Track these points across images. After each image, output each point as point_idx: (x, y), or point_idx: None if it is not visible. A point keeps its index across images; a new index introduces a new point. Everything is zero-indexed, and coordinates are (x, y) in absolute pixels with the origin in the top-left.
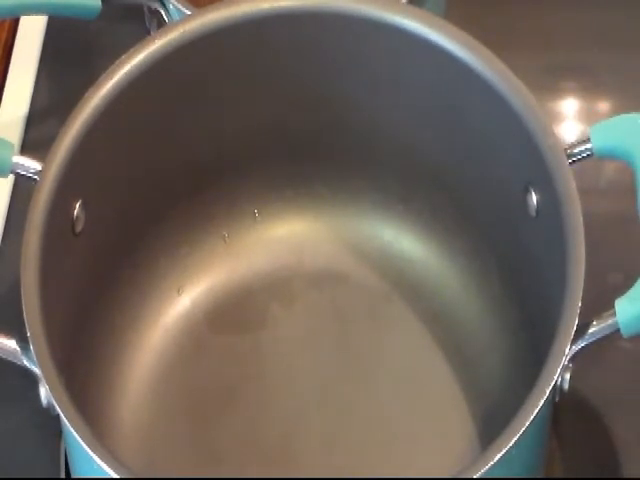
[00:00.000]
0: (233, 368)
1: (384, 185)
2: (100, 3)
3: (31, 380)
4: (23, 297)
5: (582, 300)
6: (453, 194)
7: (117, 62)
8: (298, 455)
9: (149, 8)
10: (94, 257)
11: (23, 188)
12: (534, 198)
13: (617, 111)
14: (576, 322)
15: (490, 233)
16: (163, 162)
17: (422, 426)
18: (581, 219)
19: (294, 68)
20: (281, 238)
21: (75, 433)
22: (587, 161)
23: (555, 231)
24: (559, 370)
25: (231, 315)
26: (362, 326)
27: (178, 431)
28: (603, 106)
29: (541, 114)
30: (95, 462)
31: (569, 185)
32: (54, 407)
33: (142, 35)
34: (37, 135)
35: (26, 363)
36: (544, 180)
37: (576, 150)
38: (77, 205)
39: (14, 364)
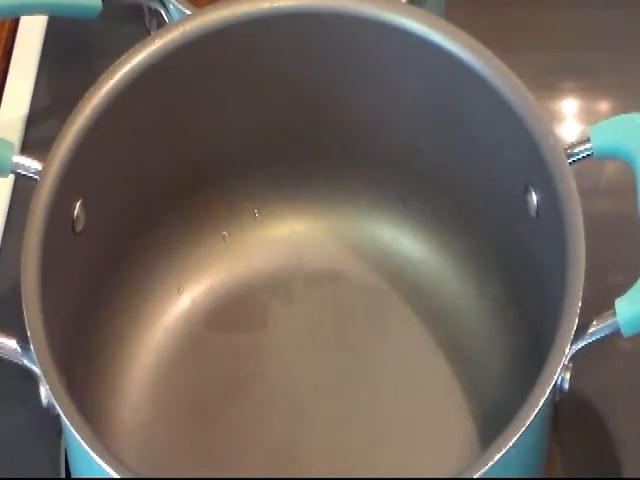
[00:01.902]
0: (233, 367)
1: (384, 185)
2: (100, 3)
3: (31, 380)
4: (23, 297)
5: (582, 300)
6: (453, 194)
7: (117, 62)
8: (298, 454)
9: (149, 8)
10: (94, 257)
11: (23, 188)
12: (534, 198)
13: (617, 111)
14: (576, 322)
15: (490, 233)
16: (163, 162)
17: (422, 426)
18: (581, 219)
19: (294, 68)
20: (281, 238)
21: (75, 433)
22: (587, 161)
23: (555, 231)
24: (559, 370)
25: (231, 315)
26: (362, 326)
27: (178, 431)
28: (603, 106)
29: (541, 114)
30: (95, 462)
31: (569, 185)
32: (54, 407)
33: (142, 35)
34: (37, 135)
35: (26, 363)
36: (544, 180)
37: (576, 150)
38: (77, 205)
39: (14, 364)
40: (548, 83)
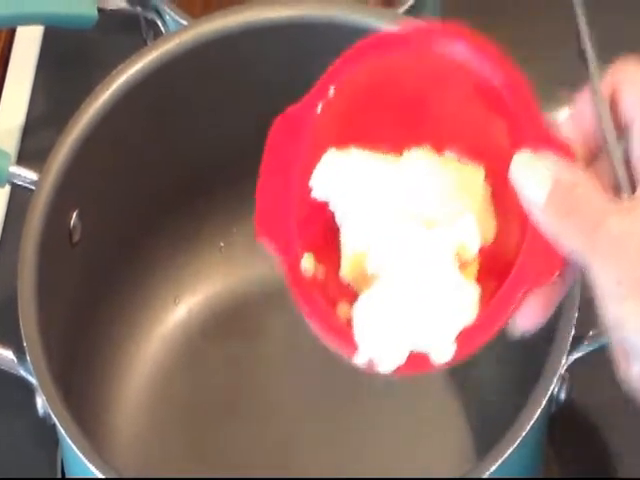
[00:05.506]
0: (230, 377)
1: None
2: (96, 13)
3: (29, 389)
4: (20, 307)
5: (578, 310)
6: None
7: (114, 72)
8: (296, 464)
9: (146, 19)
10: (91, 267)
11: (20, 198)
12: None
13: None
14: (572, 332)
15: None
16: (159, 172)
17: (418, 436)
18: None
19: (289, 77)
20: None
21: (71, 443)
22: None
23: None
24: (555, 380)
25: (227, 324)
26: None
27: (175, 440)
28: None
29: None
30: (91, 471)
31: None
32: (50, 417)
33: (139, 45)
34: (34, 145)
35: (23, 373)
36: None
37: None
38: (74, 215)
39: (13, 374)
40: (545, 94)
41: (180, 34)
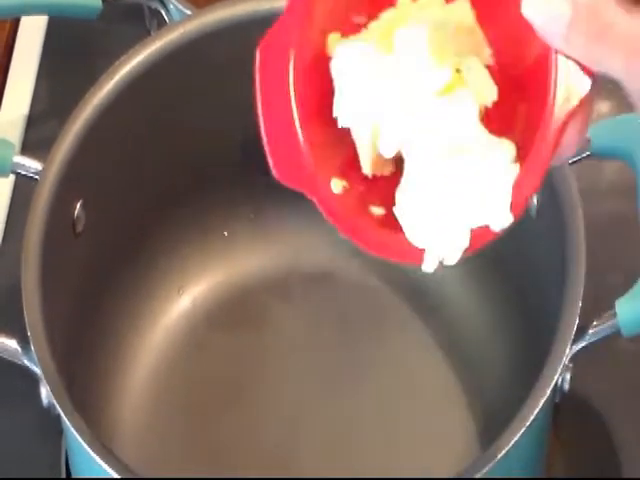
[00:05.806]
0: (233, 367)
1: None
2: (101, 3)
3: (34, 380)
4: (24, 297)
5: (582, 300)
6: None
7: (117, 62)
8: (298, 456)
9: (149, 8)
10: (94, 257)
11: (24, 188)
12: (534, 198)
13: (617, 111)
14: (576, 322)
15: None
16: (163, 162)
17: (422, 426)
18: (582, 220)
19: None
20: (280, 237)
21: (75, 433)
22: (587, 161)
23: (555, 231)
24: (559, 370)
25: (231, 314)
26: (361, 325)
27: (179, 431)
28: (603, 106)
29: None
30: (95, 461)
31: (569, 186)
32: (55, 407)
33: (142, 35)
34: (38, 135)
35: (27, 363)
36: (544, 180)
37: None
38: (78, 205)
39: (17, 364)
40: None
41: (184, 24)
